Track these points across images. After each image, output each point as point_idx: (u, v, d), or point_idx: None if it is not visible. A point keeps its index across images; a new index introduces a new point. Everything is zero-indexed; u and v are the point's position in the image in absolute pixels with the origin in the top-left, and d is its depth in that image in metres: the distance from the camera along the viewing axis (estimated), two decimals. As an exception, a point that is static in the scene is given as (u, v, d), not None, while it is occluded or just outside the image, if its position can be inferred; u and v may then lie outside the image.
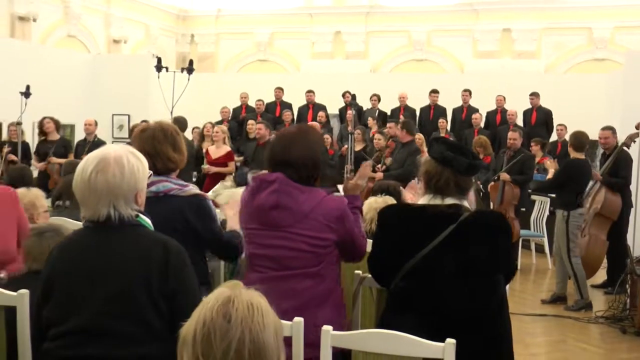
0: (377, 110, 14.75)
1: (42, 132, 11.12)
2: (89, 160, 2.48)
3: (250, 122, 13.21)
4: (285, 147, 3.29)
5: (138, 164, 2.51)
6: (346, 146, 11.68)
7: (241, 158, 11.84)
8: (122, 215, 2.46)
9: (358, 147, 11.74)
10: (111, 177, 2.43)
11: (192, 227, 3.34)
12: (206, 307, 1.73)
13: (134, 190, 2.49)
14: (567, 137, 12.71)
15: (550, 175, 8.31)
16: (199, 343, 1.70)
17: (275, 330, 1.75)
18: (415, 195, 4.68)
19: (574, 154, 8.06)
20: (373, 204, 4.67)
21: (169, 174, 3.40)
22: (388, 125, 11.09)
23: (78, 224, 3.33)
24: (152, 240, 2.51)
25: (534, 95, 14.06)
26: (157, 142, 3.37)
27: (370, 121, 13.77)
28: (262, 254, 3.23)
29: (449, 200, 3.08)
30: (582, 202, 8.05)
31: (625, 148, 8.53)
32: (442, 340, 2.63)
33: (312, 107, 15.18)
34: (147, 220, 2.63)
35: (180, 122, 9.99)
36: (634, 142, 8.52)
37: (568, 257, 7.89)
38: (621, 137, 8.70)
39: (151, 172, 2.66)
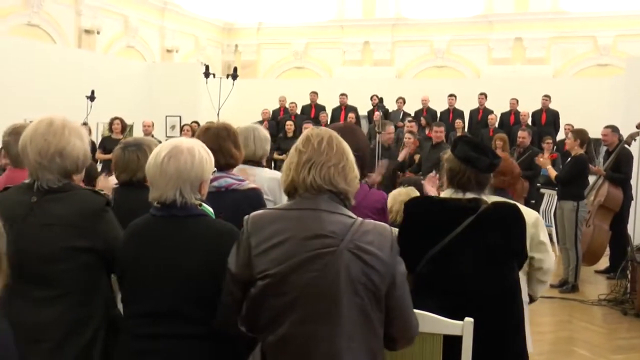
0: (402, 112, 14.71)
1: (111, 129, 11.34)
2: (163, 147, 2.48)
3: (288, 122, 13.23)
4: None
5: (207, 156, 2.51)
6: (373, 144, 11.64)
7: (283, 156, 11.87)
8: (186, 200, 2.43)
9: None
10: (182, 164, 2.41)
11: None
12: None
13: (200, 179, 2.47)
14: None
15: (552, 172, 8.23)
16: (299, 144, 2.32)
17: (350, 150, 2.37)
18: (434, 186, 4.58)
19: (579, 150, 7.97)
20: (397, 197, 4.48)
21: (229, 169, 3.39)
22: (407, 125, 11.04)
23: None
24: (216, 230, 2.48)
25: (547, 97, 13.98)
26: (221, 140, 3.35)
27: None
28: None
29: (469, 195, 3.06)
30: (584, 194, 8.02)
31: (626, 146, 8.43)
32: (461, 319, 2.64)
33: (345, 109, 15.20)
34: (209, 209, 2.62)
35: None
36: (635, 140, 8.43)
37: (575, 244, 7.84)
38: (623, 136, 8.60)
39: (215, 169, 2.65)
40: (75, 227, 2.52)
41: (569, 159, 8.17)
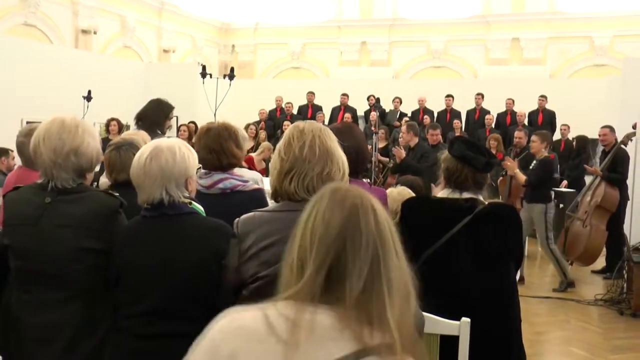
0: (399, 112, 14.71)
1: (108, 130, 11.37)
2: (145, 149, 2.49)
3: (285, 123, 13.20)
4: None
5: (188, 152, 2.51)
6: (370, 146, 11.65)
7: None
8: (174, 198, 2.44)
9: (381, 144, 11.72)
10: (164, 162, 2.42)
11: None
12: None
13: (184, 176, 2.47)
14: (569, 136, 12.63)
15: (520, 177, 8.22)
16: (282, 149, 2.21)
17: (337, 145, 2.24)
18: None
19: (545, 153, 8.06)
20: (396, 197, 4.47)
21: (230, 169, 3.38)
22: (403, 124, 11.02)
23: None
24: (206, 227, 2.49)
25: (543, 97, 13.99)
26: (223, 140, 3.34)
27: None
28: None
29: (467, 195, 3.07)
30: (552, 196, 8.23)
31: (622, 146, 8.45)
32: (458, 320, 2.64)
33: (344, 109, 15.20)
34: (199, 207, 2.63)
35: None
36: (631, 140, 8.45)
37: (547, 245, 7.90)
38: (619, 136, 8.62)
39: (200, 165, 2.65)
40: (90, 228, 2.55)
41: (535, 162, 8.16)
